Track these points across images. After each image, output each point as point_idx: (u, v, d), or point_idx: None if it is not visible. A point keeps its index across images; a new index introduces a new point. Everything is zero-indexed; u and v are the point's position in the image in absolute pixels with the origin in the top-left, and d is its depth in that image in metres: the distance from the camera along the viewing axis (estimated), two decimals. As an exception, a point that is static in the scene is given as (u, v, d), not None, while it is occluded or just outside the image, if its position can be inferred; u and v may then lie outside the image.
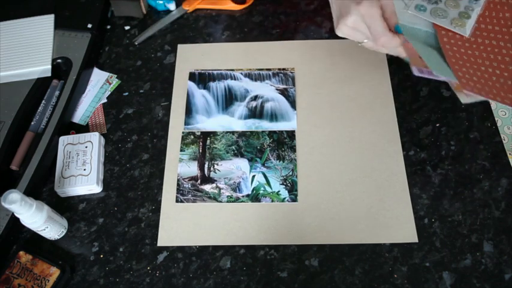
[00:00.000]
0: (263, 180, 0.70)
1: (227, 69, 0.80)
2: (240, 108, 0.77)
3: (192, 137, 0.74)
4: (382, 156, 0.72)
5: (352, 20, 0.60)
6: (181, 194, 0.70)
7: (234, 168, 0.72)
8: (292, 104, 0.77)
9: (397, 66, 0.79)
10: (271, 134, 0.74)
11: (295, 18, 0.86)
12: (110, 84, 0.80)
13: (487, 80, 0.59)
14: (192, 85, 0.79)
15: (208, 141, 0.74)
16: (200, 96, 0.78)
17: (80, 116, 0.77)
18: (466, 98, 0.60)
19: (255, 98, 0.77)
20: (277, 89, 0.78)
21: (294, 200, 0.69)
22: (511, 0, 0.64)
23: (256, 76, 0.80)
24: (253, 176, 0.71)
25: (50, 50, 0.79)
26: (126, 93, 0.79)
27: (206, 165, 0.72)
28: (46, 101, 0.76)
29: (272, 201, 0.69)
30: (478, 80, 0.59)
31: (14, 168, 0.71)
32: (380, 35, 0.59)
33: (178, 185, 0.71)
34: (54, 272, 0.63)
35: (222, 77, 0.80)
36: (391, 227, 0.66)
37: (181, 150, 0.73)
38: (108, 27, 0.87)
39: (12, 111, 0.73)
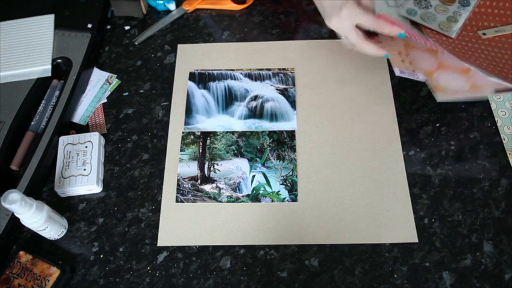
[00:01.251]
0: (263, 180, 0.70)
1: (227, 69, 0.80)
2: (240, 108, 0.77)
3: (192, 137, 0.74)
4: (382, 156, 0.72)
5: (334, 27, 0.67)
6: (181, 194, 0.70)
7: (234, 168, 0.72)
8: (292, 104, 0.76)
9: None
10: (271, 134, 0.74)
11: (295, 18, 0.86)
12: (110, 84, 0.80)
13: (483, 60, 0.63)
14: (192, 85, 0.79)
15: (208, 141, 0.74)
16: (200, 96, 0.78)
17: (80, 116, 0.77)
18: (441, 96, 0.64)
19: (255, 98, 0.77)
20: (277, 89, 0.78)
21: (294, 200, 0.69)
22: (495, 10, 0.66)
23: (256, 76, 0.79)
24: (253, 176, 0.71)
25: (50, 50, 0.79)
26: (126, 93, 0.79)
27: (206, 165, 0.72)
28: (46, 101, 0.76)
29: (272, 201, 0.69)
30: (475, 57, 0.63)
31: (14, 168, 0.71)
32: (359, 43, 0.66)
33: (178, 185, 0.71)
34: (54, 272, 0.63)
35: (222, 77, 0.80)
36: (391, 227, 0.66)
37: (181, 150, 0.73)
38: (108, 27, 0.87)
39: (12, 111, 0.73)
